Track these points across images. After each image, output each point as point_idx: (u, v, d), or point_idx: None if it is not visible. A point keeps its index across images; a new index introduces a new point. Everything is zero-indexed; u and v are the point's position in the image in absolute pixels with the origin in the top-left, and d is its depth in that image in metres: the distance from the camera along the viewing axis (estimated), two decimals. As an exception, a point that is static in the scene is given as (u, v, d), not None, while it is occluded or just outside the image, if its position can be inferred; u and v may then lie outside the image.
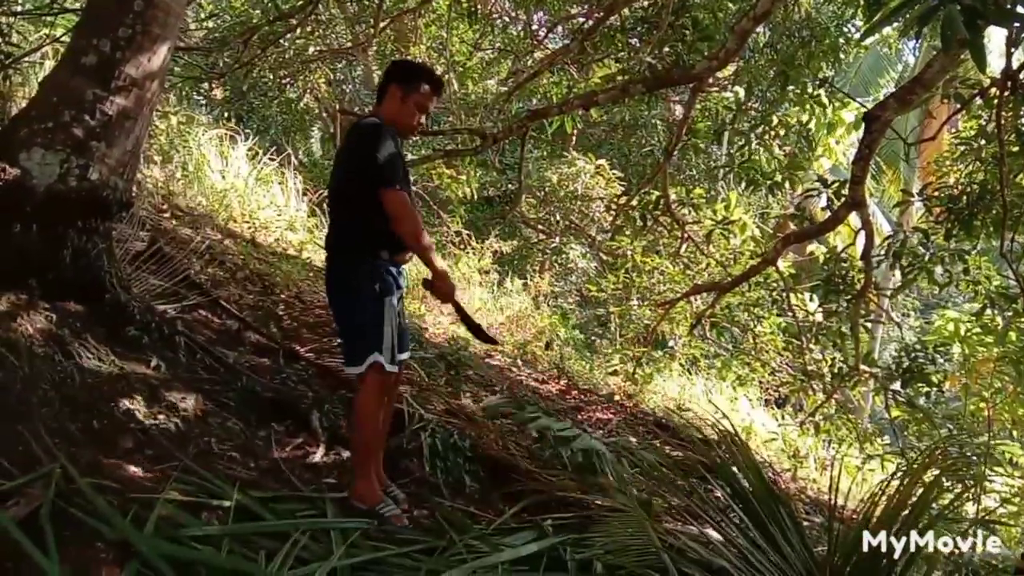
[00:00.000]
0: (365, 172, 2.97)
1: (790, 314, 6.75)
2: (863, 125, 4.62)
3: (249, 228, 7.53)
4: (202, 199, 7.53)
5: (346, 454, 3.55)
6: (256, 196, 8.34)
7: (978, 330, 7.14)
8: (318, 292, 6.19)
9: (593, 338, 11.52)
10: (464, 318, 3.46)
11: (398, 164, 3.01)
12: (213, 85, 12.25)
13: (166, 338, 3.71)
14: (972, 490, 5.29)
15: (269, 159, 9.01)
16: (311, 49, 9.90)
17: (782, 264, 6.10)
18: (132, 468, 2.75)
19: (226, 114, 11.89)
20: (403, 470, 3.64)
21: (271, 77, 10.47)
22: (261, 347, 4.40)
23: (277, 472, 3.22)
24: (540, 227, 12.69)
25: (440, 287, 3.15)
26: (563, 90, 7.53)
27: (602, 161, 11.30)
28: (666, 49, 5.64)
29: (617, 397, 7.62)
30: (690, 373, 9.50)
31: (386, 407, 3.31)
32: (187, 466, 2.87)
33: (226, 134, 8.97)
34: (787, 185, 6.64)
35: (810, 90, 6.27)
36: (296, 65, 9.77)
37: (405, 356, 3.32)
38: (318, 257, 7.12)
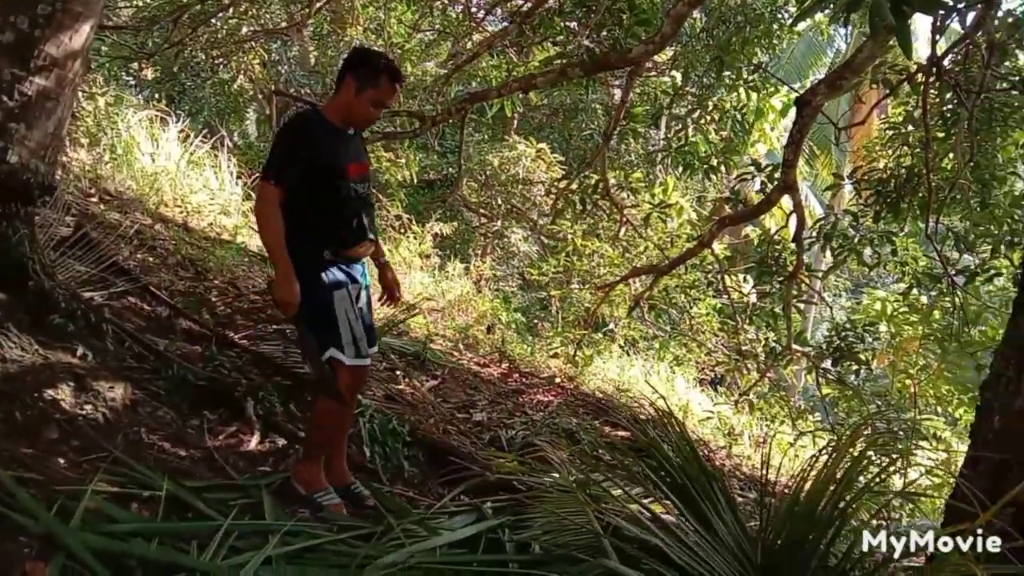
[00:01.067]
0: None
1: (725, 296, 6.88)
2: (795, 110, 4.72)
3: (181, 213, 7.34)
4: (132, 183, 7.31)
5: (282, 441, 3.51)
6: (189, 180, 8.14)
7: (905, 309, 7.40)
8: (253, 277, 6.08)
9: (535, 321, 11.58)
10: (304, 350, 3.06)
11: (286, 156, 2.86)
12: (143, 65, 11.90)
13: (93, 326, 3.60)
14: (898, 463, 5.49)
15: (202, 141, 8.80)
16: (244, 29, 9.67)
17: (717, 247, 6.20)
18: (58, 460, 2.67)
19: (157, 95, 11.56)
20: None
21: (203, 57, 10.20)
22: (193, 334, 4.31)
23: (211, 461, 3.16)
24: (482, 211, 12.67)
25: (276, 293, 2.89)
26: (502, 73, 7.51)
27: (543, 145, 11.32)
28: (604, 33, 5.67)
29: (558, 379, 7.68)
30: (629, 355, 9.61)
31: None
32: (116, 457, 2.80)
33: (156, 116, 8.72)
34: (723, 169, 6.77)
35: (745, 75, 6.37)
36: (229, 45, 9.53)
37: (371, 352, 3.19)
38: (253, 242, 6.99)
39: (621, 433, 5.72)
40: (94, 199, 6.17)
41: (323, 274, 2.94)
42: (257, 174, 9.49)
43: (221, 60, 10.40)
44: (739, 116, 6.63)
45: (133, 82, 12.78)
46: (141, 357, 3.72)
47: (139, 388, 3.43)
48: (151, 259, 5.46)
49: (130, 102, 8.93)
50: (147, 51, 8.58)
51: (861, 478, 2.71)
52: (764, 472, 3.19)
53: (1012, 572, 2.01)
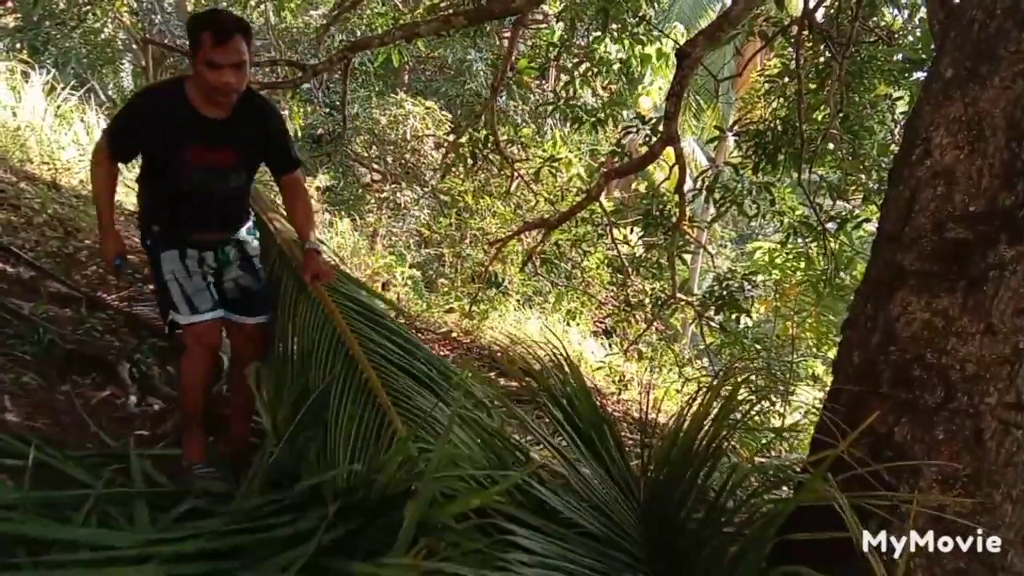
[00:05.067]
0: None
1: (614, 248, 7.00)
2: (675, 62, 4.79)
3: (49, 170, 6.93)
4: (-8, 140, 6.85)
5: (159, 404, 3.38)
6: (57, 136, 7.68)
7: (791, 257, 7.69)
8: (130, 236, 5.80)
9: (432, 276, 11.53)
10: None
11: (120, 128, 2.76)
12: (1, 12, 11.07)
13: (-55, 290, 3.37)
14: (776, 403, 5.76)
15: (70, 94, 8.30)
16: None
17: (605, 200, 6.29)
18: (-93, 432, 2.50)
19: (19, 45, 10.77)
20: (223, 418, 3.50)
21: (65, 4, 9.55)
22: (62, 297, 4.08)
23: (83, 427, 3.02)
24: (375, 167, 12.41)
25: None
26: (388, 22, 7.34)
27: (431, 103, 11.15)
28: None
29: (455, 334, 7.71)
30: (526, 309, 9.73)
31: (234, 366, 3.10)
32: (-25, 427, 2.64)
33: (17, 67, 8.17)
34: (610, 123, 6.83)
35: (630, 28, 6.40)
36: (94, -10, 8.95)
37: (253, 320, 3.02)
38: (129, 200, 6.65)
39: (515, 384, 5.79)
40: (-53, 156, 5.74)
41: (153, 240, 2.87)
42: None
43: (88, 7, 9.73)
44: (625, 69, 6.67)
45: (-9, 32, 11.86)
46: (3, 321, 3.51)
47: (1, 354, 3.24)
48: (15, 219, 5.14)
49: (-13, 53, 8.33)
50: (2, -3, 7.97)
51: (737, 416, 2.84)
52: (644, 415, 3.29)
53: (868, 497, 2.13)
